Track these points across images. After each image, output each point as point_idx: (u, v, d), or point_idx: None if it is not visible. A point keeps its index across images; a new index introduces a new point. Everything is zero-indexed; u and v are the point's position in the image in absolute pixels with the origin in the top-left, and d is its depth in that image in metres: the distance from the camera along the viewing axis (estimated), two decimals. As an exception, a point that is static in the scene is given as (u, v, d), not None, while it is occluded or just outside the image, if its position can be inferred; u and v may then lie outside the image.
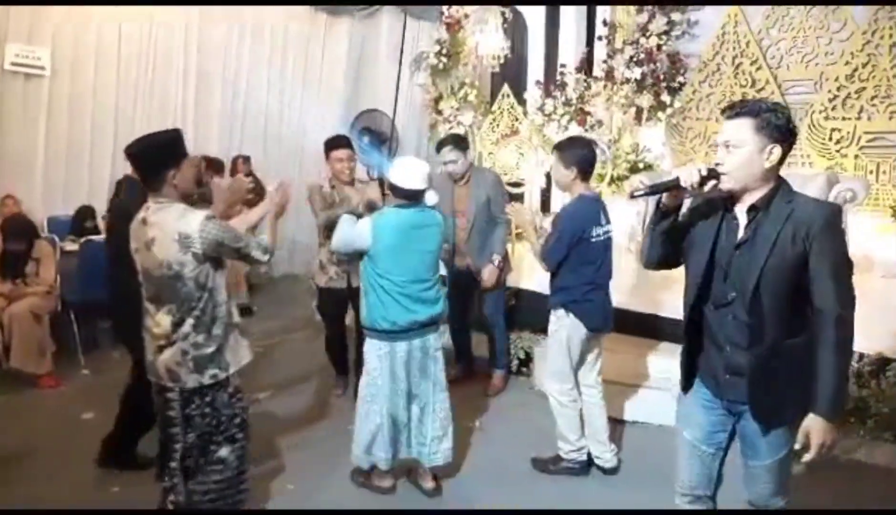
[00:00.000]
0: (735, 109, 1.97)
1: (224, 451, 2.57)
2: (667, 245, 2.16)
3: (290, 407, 4.34)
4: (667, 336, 4.24)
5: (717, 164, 1.98)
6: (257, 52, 8.16)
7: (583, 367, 3.42)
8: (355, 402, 3.25)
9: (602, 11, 7.06)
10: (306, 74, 8.66)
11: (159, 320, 2.46)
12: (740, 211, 2.02)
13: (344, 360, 4.51)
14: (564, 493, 3.29)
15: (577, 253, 3.18)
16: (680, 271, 2.23)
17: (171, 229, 2.37)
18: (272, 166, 7.79)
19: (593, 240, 3.19)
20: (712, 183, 1.98)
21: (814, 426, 1.88)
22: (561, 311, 3.30)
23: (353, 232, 3.04)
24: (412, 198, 3.05)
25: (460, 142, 4.40)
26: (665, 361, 3.99)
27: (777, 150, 1.92)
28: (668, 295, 4.28)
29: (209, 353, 2.47)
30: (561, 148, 3.29)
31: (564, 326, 3.29)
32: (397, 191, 3.06)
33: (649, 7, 6.50)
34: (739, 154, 1.93)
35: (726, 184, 1.98)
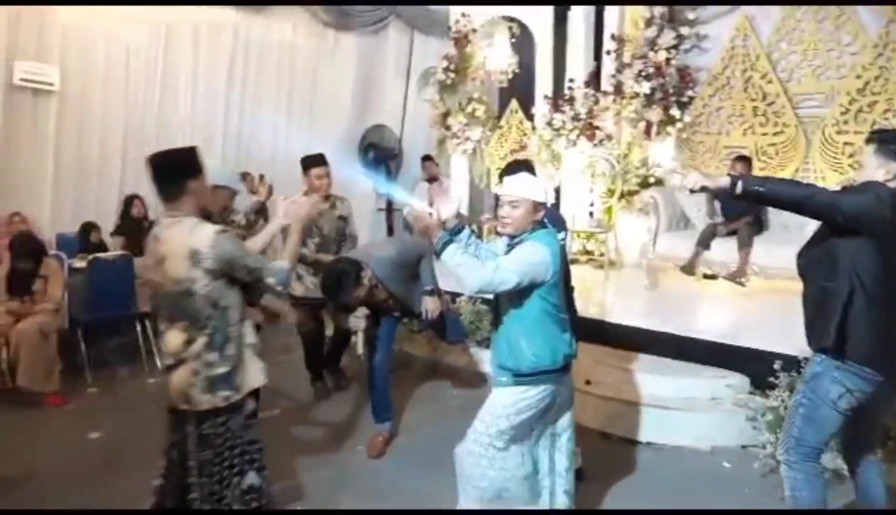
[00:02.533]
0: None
1: (253, 478, 2.50)
2: None
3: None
4: (686, 356, 4.16)
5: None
6: (264, 69, 8.18)
7: None
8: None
9: (610, 25, 7.03)
10: (314, 90, 8.68)
11: (170, 338, 2.43)
12: None
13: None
14: None
15: None
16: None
17: (181, 245, 2.34)
18: (280, 183, 7.76)
19: None
20: None
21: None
22: None
23: (528, 264, 2.52)
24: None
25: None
26: (683, 381, 3.95)
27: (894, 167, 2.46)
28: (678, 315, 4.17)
29: (221, 373, 2.41)
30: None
31: None
32: (545, 211, 2.67)
33: (658, 21, 6.47)
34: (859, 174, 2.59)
35: None
